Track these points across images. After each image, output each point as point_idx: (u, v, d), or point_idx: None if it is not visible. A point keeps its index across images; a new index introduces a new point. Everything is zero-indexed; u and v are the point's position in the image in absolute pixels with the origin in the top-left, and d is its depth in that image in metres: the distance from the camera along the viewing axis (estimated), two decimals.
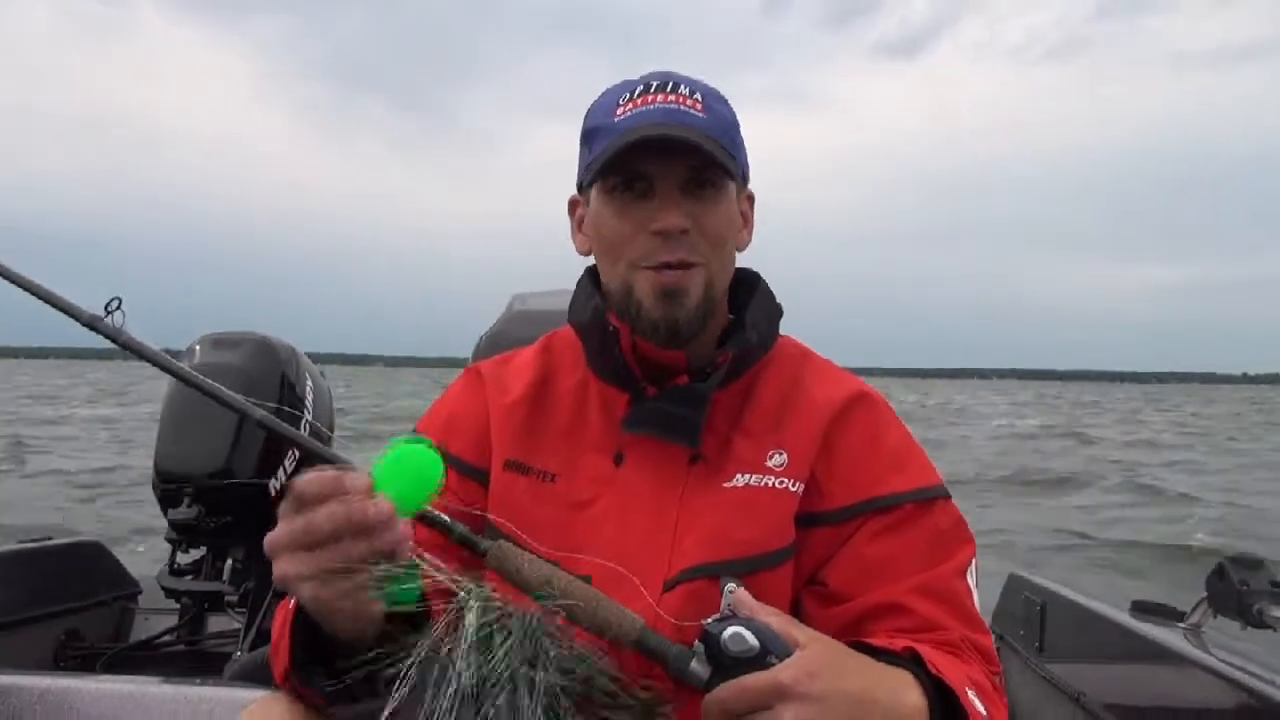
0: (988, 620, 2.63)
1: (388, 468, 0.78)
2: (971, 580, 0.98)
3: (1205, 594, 1.79)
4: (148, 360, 1.12)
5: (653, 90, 0.98)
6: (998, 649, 2.59)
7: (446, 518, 0.84)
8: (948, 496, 1.01)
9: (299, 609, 0.84)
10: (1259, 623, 1.65)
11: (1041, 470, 14.63)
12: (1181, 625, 1.81)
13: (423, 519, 0.82)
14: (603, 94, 1.02)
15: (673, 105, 0.97)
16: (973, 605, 0.97)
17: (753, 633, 0.78)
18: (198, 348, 2.74)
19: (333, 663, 0.83)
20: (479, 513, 0.99)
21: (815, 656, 0.77)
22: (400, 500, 0.76)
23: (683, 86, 0.99)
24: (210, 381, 1.08)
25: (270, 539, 0.76)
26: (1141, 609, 1.93)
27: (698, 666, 0.80)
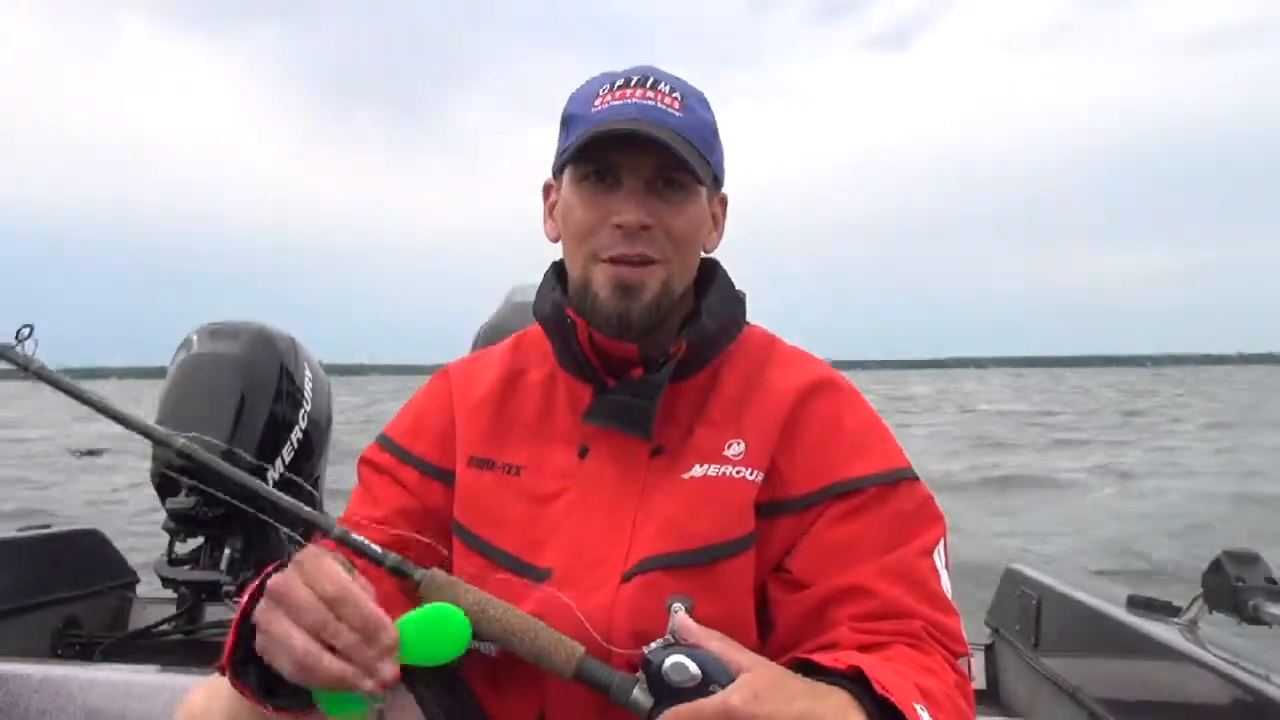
0: (983, 615, 2.63)
1: (415, 626, 0.79)
2: (939, 560, 0.98)
3: (1201, 590, 1.79)
4: (61, 389, 1.06)
5: (633, 85, 0.98)
6: (993, 644, 2.60)
7: (378, 548, 0.86)
8: (914, 478, 1.01)
9: (250, 614, 0.85)
10: (1255, 619, 1.65)
11: None
12: (1177, 621, 1.81)
13: (345, 544, 0.85)
14: (586, 82, 1.03)
15: (650, 102, 0.97)
16: (938, 585, 0.96)
17: (695, 661, 0.78)
18: (195, 338, 2.74)
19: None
20: (425, 540, 1.00)
21: (760, 679, 0.77)
22: (418, 658, 0.79)
23: (663, 84, 0.99)
24: (125, 412, 1.00)
25: (280, 590, 0.77)
26: (1137, 604, 1.93)
27: (640, 695, 0.80)
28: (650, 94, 0.98)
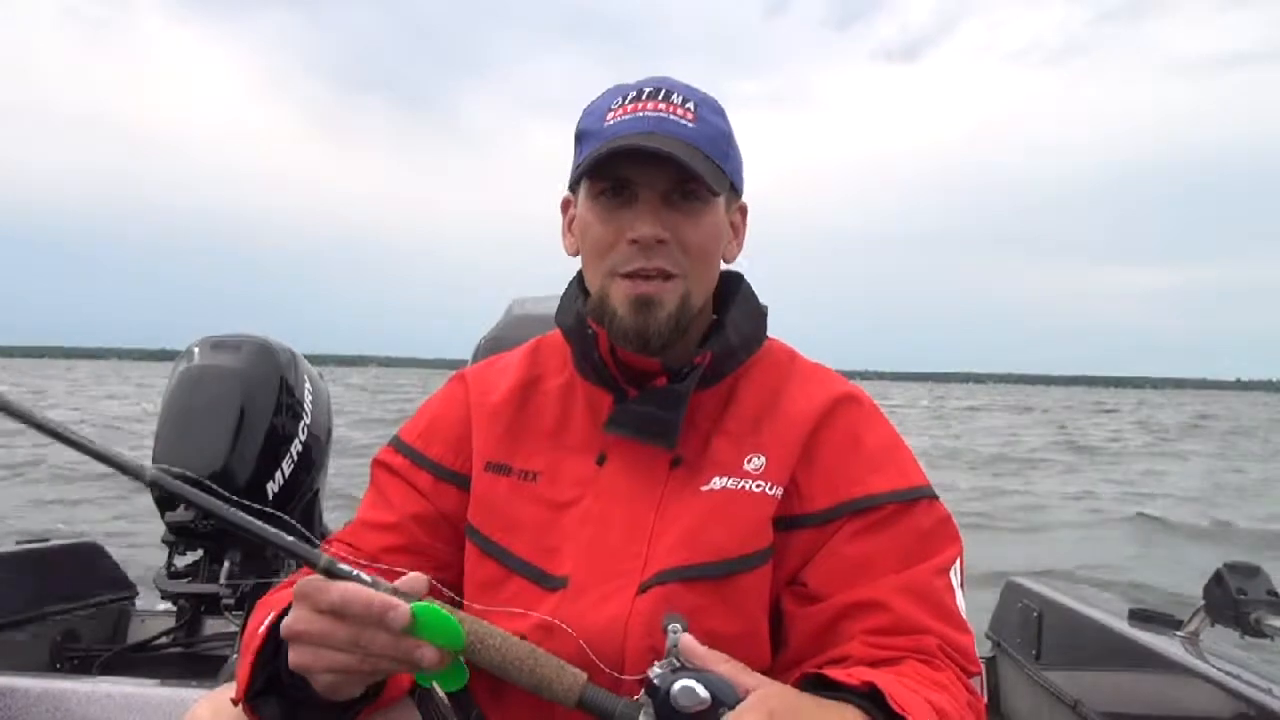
0: (984, 627, 2.63)
1: (426, 615, 0.79)
2: (955, 578, 0.97)
3: (1203, 602, 1.79)
4: (20, 419, 0.98)
5: (645, 97, 0.98)
6: (994, 657, 2.59)
7: (368, 577, 0.80)
8: (933, 496, 1.01)
9: (272, 638, 0.84)
10: (1256, 632, 1.65)
11: None
12: (1179, 634, 1.81)
13: (333, 575, 0.79)
14: (600, 95, 1.03)
15: (663, 114, 0.97)
16: (953, 603, 0.96)
17: (704, 685, 0.76)
18: (196, 350, 2.74)
19: (290, 688, 0.84)
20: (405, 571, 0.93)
21: (771, 699, 0.77)
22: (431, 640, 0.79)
23: (676, 95, 0.99)
24: (83, 436, 0.95)
25: (298, 630, 0.77)
26: (1138, 617, 1.93)
27: None
28: (663, 105, 0.97)
